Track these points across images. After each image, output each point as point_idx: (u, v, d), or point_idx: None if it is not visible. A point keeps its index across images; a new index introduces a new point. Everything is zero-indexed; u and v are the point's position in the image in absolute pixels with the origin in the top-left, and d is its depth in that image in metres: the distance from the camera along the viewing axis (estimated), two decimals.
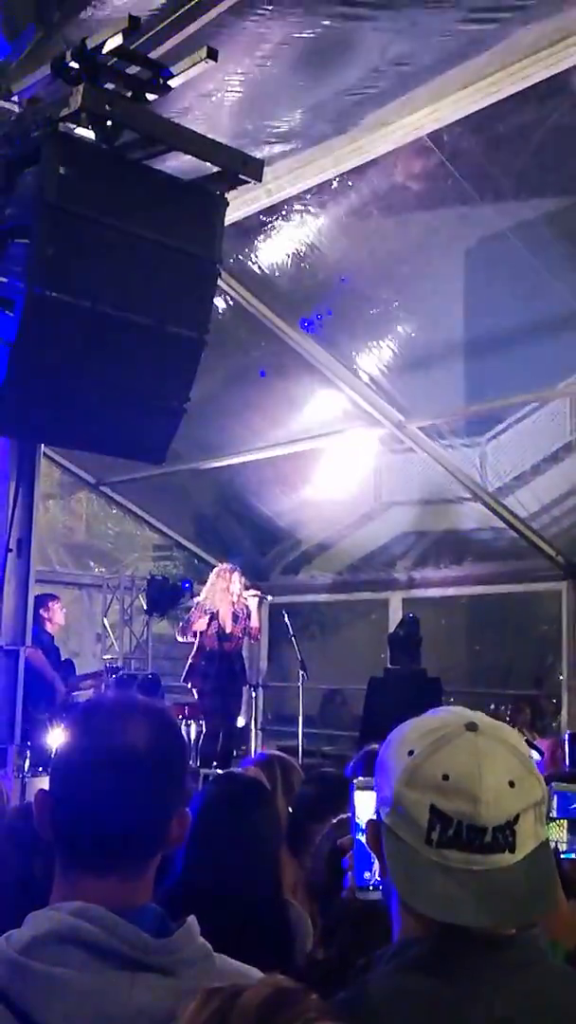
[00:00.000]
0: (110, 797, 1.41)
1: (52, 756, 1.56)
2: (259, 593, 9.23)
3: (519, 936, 1.32)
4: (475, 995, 1.25)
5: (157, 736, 1.46)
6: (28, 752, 6.13)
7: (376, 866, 1.47)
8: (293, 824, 3.02)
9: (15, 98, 4.34)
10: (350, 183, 6.05)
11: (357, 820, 1.51)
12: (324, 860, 2.24)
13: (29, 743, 6.19)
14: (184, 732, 8.96)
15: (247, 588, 8.90)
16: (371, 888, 1.50)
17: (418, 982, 1.27)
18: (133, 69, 4.17)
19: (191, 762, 7.92)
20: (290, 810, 3.14)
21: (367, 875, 1.50)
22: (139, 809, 1.43)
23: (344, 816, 2.32)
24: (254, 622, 8.94)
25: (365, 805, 1.48)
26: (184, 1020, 0.98)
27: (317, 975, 2.08)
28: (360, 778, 1.54)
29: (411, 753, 1.32)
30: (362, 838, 1.50)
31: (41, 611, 8.47)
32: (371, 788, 1.45)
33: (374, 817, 1.38)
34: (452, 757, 1.30)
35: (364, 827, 1.46)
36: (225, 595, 8.70)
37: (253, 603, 8.90)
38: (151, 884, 1.46)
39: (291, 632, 9.39)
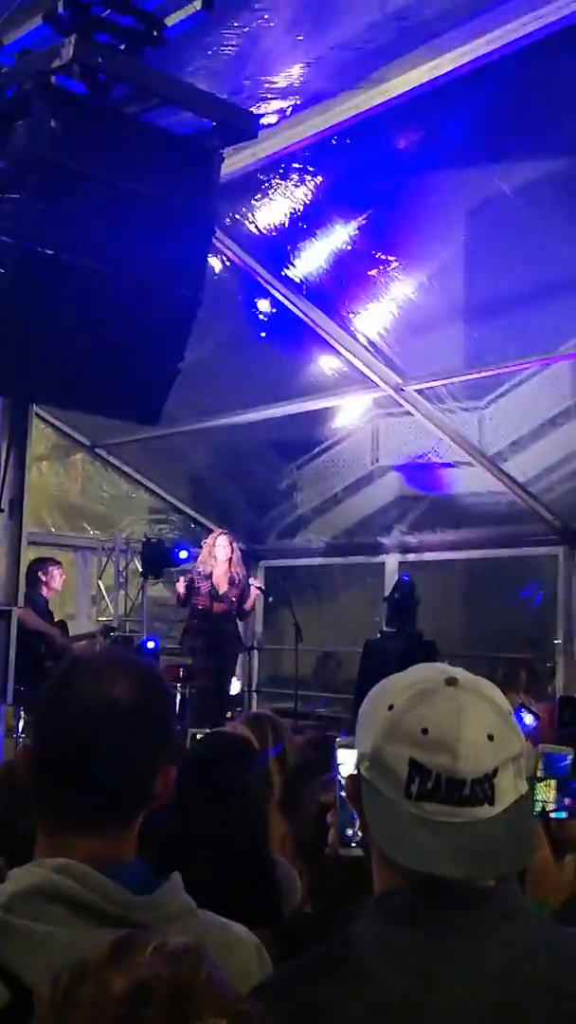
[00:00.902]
0: (92, 753, 1.40)
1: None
2: (261, 587, 9.61)
3: (500, 888, 1.32)
4: (455, 946, 1.25)
5: (141, 691, 1.44)
6: (22, 712, 6.14)
7: (358, 823, 1.47)
8: (289, 783, 3.03)
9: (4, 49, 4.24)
10: (348, 140, 5.95)
11: (340, 777, 1.51)
12: (312, 817, 2.25)
13: (24, 703, 6.20)
14: (180, 694, 9.03)
15: (233, 560, 8.98)
16: (353, 844, 1.51)
17: (398, 934, 1.27)
18: (128, 21, 4.08)
19: (183, 722, 7.97)
20: (280, 768, 3.15)
21: (349, 832, 1.51)
22: (122, 765, 1.41)
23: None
24: (248, 604, 9.14)
25: (347, 762, 1.48)
26: (43, 1007, 0.97)
27: (306, 928, 2.09)
28: (342, 737, 1.55)
29: (391, 707, 1.32)
30: (344, 795, 1.50)
31: (40, 574, 8.48)
32: (353, 746, 1.46)
33: (354, 772, 1.38)
34: (431, 711, 1.30)
35: (344, 783, 1.47)
36: (209, 559, 8.83)
37: (254, 590, 9.16)
38: (135, 840, 1.45)
39: (287, 595, 9.43)
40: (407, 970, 1.24)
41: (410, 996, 1.22)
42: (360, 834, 1.47)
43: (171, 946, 0.96)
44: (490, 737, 1.29)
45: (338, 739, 1.55)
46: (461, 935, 1.26)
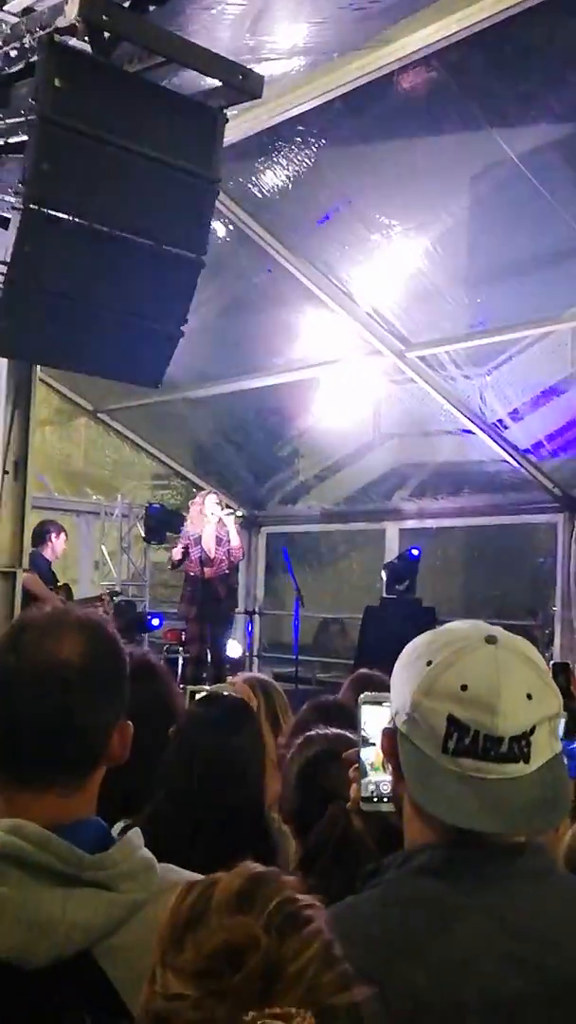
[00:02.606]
0: (41, 712, 1.40)
1: None
2: (231, 509, 9.18)
3: (531, 844, 1.34)
4: (486, 900, 1.27)
5: (91, 649, 1.45)
6: None
7: (378, 777, 1.49)
8: (289, 743, 3.06)
9: (8, 8, 4.21)
10: (353, 103, 5.91)
11: (364, 734, 1.52)
12: (293, 783, 2.28)
13: None
14: (181, 658, 9.10)
15: (223, 508, 8.91)
16: (375, 799, 1.52)
17: (429, 887, 1.28)
18: None
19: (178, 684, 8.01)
20: (272, 729, 3.19)
21: (371, 787, 1.52)
22: (72, 724, 1.42)
23: (308, 735, 2.36)
24: (234, 542, 8.92)
25: (373, 719, 1.50)
26: (168, 913, 0.99)
27: None
28: (367, 694, 1.55)
29: (430, 663, 1.33)
30: (365, 752, 1.51)
31: (47, 536, 8.46)
32: (378, 703, 1.48)
33: (389, 726, 1.39)
34: (471, 668, 1.31)
35: (372, 740, 1.48)
36: (200, 519, 8.76)
37: (229, 521, 8.89)
38: (93, 799, 1.46)
39: (288, 561, 9.44)
40: (423, 917, 1.26)
41: (419, 940, 1.23)
42: (384, 790, 1.49)
43: (293, 908, 0.93)
44: (528, 696, 1.30)
45: (363, 695, 1.56)
46: (485, 887, 1.28)
